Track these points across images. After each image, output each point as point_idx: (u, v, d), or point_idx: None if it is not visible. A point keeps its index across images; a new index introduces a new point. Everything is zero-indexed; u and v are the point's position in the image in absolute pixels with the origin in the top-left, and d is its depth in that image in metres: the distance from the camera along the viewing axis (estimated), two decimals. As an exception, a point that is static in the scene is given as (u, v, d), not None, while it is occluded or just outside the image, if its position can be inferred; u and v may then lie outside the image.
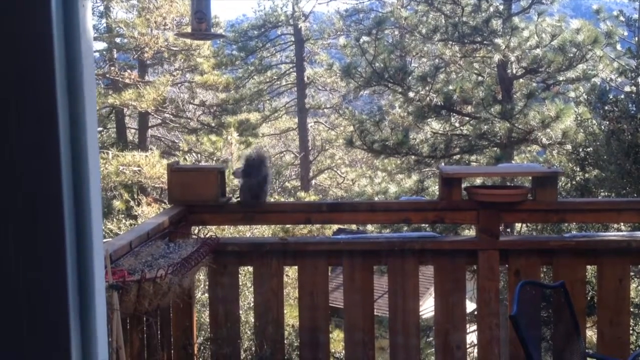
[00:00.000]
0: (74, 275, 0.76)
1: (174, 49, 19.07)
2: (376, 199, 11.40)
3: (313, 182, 24.79)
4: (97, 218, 0.80)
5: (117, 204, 13.07)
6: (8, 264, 0.74)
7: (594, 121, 8.74)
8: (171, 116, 20.71)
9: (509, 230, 8.60)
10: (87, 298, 0.78)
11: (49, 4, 0.71)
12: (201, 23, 3.67)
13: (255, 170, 3.75)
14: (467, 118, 11.89)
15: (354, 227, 13.47)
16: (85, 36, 0.77)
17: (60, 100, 0.73)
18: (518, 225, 8.83)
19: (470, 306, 4.97)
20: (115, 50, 20.07)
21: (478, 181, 8.42)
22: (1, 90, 0.73)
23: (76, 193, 0.76)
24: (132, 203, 11.93)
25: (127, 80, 18.71)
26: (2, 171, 0.73)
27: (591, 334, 5.62)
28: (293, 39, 24.93)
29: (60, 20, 0.73)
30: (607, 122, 7.81)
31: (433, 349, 4.08)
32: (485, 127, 10.98)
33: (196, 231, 3.76)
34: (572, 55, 10.73)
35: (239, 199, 3.83)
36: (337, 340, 8.97)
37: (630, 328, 3.80)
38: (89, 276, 0.78)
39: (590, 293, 5.58)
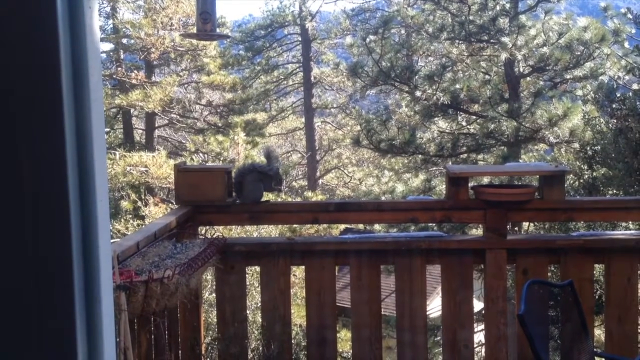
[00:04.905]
0: (80, 276, 0.76)
1: (181, 49, 19.11)
2: (383, 198, 11.39)
3: (320, 181, 24.78)
4: (105, 218, 0.80)
5: (125, 204, 13.10)
6: (14, 265, 0.75)
7: (602, 119, 8.70)
8: (178, 116, 20.75)
9: (516, 229, 8.57)
10: (95, 299, 0.78)
11: (54, 6, 0.72)
12: (206, 23, 3.68)
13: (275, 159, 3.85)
14: (474, 117, 11.86)
15: (360, 226, 13.45)
16: (92, 37, 0.77)
17: (67, 101, 0.74)
18: (525, 224, 8.80)
19: (478, 305, 4.96)
20: (122, 51, 20.12)
21: (485, 180, 8.39)
22: (7, 91, 0.73)
23: (83, 194, 0.77)
24: (139, 203, 11.95)
25: (134, 81, 18.76)
26: (8, 172, 0.73)
27: (599, 333, 5.60)
28: (300, 39, 24.93)
29: (66, 22, 0.74)
30: (615, 120, 7.77)
31: (440, 348, 4.08)
32: (492, 125, 10.95)
33: (203, 231, 3.77)
34: (579, 53, 10.68)
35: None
36: (344, 339, 8.97)
37: (639, 326, 3.78)
38: (97, 277, 0.79)
39: (599, 292, 5.56)
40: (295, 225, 10.89)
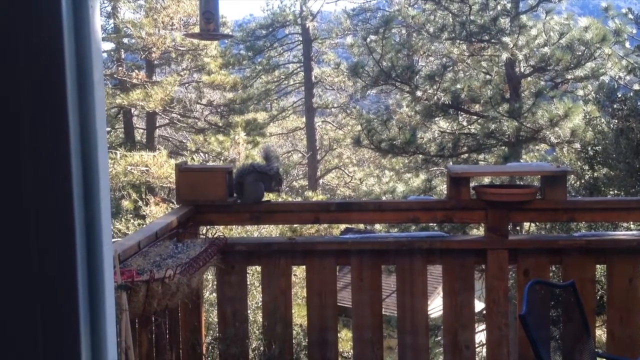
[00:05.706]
0: (83, 276, 0.76)
1: (181, 49, 19.10)
2: (384, 198, 11.39)
3: (321, 181, 24.78)
4: (106, 218, 0.80)
5: (126, 204, 13.08)
6: (19, 265, 0.74)
7: (603, 119, 8.70)
8: (179, 116, 20.75)
9: (517, 229, 8.57)
10: (97, 298, 0.78)
11: (59, 5, 0.71)
12: (209, 23, 3.67)
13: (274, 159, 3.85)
14: (475, 117, 11.85)
15: (361, 226, 13.45)
16: (94, 37, 0.77)
17: (71, 100, 0.74)
18: (527, 225, 8.79)
19: (479, 305, 4.95)
20: (122, 50, 20.11)
21: (486, 180, 8.37)
22: (12, 90, 0.73)
23: (87, 193, 0.76)
24: (140, 203, 11.94)
25: (134, 81, 18.76)
26: (11, 171, 0.73)
27: (600, 334, 5.59)
28: (301, 39, 24.92)
29: (70, 21, 0.73)
30: (616, 120, 7.78)
31: (441, 349, 4.08)
32: (493, 125, 10.94)
33: (204, 231, 3.76)
34: (580, 53, 10.67)
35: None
36: (345, 339, 8.95)
37: (640, 327, 3.77)
38: (99, 276, 0.78)
39: (600, 292, 5.55)
40: (295, 225, 10.89)
